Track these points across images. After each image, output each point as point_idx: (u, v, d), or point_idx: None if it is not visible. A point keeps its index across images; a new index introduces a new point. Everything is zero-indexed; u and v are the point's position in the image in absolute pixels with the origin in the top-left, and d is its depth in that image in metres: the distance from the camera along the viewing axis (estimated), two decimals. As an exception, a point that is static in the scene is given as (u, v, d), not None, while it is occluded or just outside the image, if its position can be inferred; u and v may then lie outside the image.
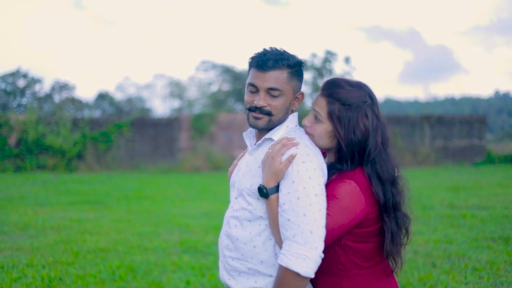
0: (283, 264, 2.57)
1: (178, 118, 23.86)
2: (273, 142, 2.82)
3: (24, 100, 45.12)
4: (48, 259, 7.56)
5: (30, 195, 14.58)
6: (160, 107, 53.74)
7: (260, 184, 2.69)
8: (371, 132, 2.78)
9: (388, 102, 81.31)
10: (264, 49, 2.84)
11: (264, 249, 2.77)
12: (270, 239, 2.75)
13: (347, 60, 32.73)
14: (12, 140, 22.86)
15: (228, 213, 2.93)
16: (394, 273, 2.89)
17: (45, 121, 23.54)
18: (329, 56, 32.77)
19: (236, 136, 24.29)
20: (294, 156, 2.65)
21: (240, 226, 2.81)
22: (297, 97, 2.86)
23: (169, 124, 23.64)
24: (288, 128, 2.86)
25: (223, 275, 2.93)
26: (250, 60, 2.85)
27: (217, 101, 36.88)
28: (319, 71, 32.79)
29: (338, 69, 32.72)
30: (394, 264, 2.86)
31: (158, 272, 7.10)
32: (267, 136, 2.85)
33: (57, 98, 46.70)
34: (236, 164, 3.07)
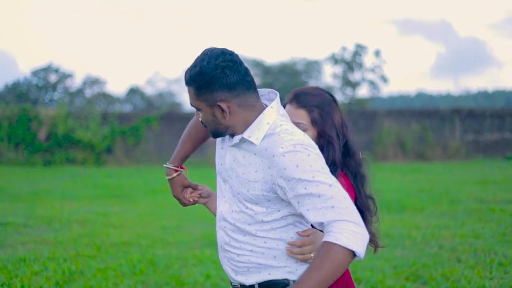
0: (342, 244, 2.31)
1: (207, 112, 23.65)
2: (254, 146, 2.63)
3: (56, 95, 45.57)
4: (70, 253, 7.58)
5: (57, 189, 14.68)
6: (190, 101, 53.66)
7: None
8: (345, 125, 3.07)
9: (420, 95, 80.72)
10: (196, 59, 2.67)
11: (276, 244, 2.66)
12: (280, 236, 2.64)
13: (377, 53, 32.54)
14: (42, 135, 23.05)
15: (223, 206, 2.78)
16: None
17: (75, 116, 23.71)
18: (359, 50, 32.61)
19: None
20: None
21: (242, 228, 2.69)
22: (219, 108, 2.63)
23: (197, 118, 23.43)
24: (269, 125, 2.61)
25: (228, 271, 2.80)
26: None
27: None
28: (349, 65, 32.65)
29: (368, 63, 32.54)
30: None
31: (179, 266, 7.08)
32: (244, 135, 2.63)
33: (88, 93, 47.11)
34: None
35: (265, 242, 2.66)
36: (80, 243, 8.19)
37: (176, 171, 3.11)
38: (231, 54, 2.62)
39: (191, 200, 3.15)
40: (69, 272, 6.64)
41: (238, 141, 2.66)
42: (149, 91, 49.16)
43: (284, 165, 2.49)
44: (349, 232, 2.33)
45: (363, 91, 36.37)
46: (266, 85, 34.59)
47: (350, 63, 32.62)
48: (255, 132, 2.61)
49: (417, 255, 7.44)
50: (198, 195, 3.17)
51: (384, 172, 19.03)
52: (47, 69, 44.79)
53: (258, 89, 2.75)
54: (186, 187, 3.16)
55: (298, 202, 2.47)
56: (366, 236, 2.36)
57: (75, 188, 15.09)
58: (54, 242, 8.26)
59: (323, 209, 2.40)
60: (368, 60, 32.51)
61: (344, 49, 32.56)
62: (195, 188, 3.18)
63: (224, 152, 2.81)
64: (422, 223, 9.50)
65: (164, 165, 3.12)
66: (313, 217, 2.42)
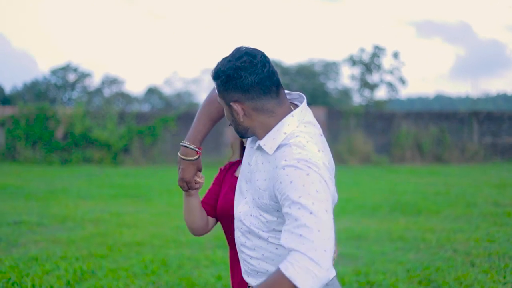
0: (287, 275, 2.26)
1: (224, 112, 23.64)
2: (267, 155, 2.60)
3: (74, 94, 45.80)
4: (82, 252, 7.59)
5: (73, 188, 14.72)
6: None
7: None
8: None
9: (439, 98, 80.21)
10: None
11: (286, 252, 2.60)
12: None
13: (395, 55, 32.40)
14: (59, 133, 23.16)
15: (242, 207, 2.74)
16: None
17: (92, 115, 23.80)
18: (378, 51, 32.47)
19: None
20: None
21: (256, 232, 2.66)
22: (233, 108, 2.60)
23: (214, 119, 23.45)
24: (286, 134, 2.55)
25: (242, 271, 2.80)
26: None
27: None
28: (367, 66, 32.53)
29: (386, 64, 32.41)
30: None
31: (191, 267, 7.07)
32: (261, 142, 2.60)
33: (107, 92, 47.27)
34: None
35: (277, 249, 2.63)
36: (92, 243, 8.20)
37: (198, 153, 2.98)
38: (254, 56, 2.55)
39: (200, 184, 3.06)
40: (81, 272, 6.64)
41: (257, 147, 2.65)
42: (167, 91, 49.26)
43: (281, 178, 2.42)
44: (302, 267, 2.26)
45: (381, 93, 36.29)
46: (283, 86, 34.67)
47: (368, 64, 32.50)
48: (270, 141, 2.57)
49: (431, 259, 7.38)
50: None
51: (401, 175, 18.95)
52: (66, 68, 45.01)
53: (290, 92, 2.70)
54: (200, 170, 3.06)
55: (285, 218, 2.40)
56: (320, 277, 2.26)
57: (91, 187, 15.12)
58: (67, 241, 8.27)
59: (292, 234, 2.32)
60: (386, 61, 32.39)
61: (362, 50, 32.45)
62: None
63: (253, 152, 2.77)
64: (437, 226, 9.42)
65: (184, 144, 2.96)
66: (283, 239, 2.35)
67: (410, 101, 71.97)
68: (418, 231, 9.11)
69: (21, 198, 12.67)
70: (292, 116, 2.57)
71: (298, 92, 2.71)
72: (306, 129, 2.58)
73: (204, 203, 3.16)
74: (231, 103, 2.56)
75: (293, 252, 2.30)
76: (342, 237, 8.60)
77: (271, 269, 2.64)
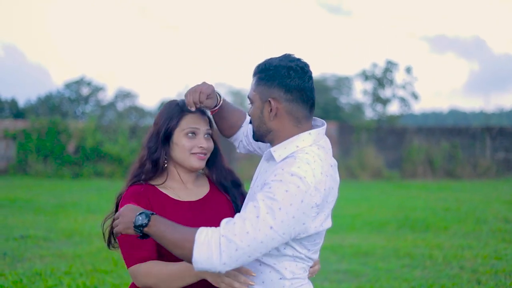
0: (195, 237, 2.43)
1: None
2: (274, 162, 2.63)
3: (88, 108, 46.02)
4: (87, 267, 7.57)
5: (83, 202, 14.72)
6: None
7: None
8: None
9: (453, 113, 79.92)
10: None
11: (268, 271, 2.65)
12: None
13: (408, 70, 32.31)
14: (71, 147, 23.21)
15: None
16: None
17: (104, 129, 23.87)
18: (390, 66, 32.40)
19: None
20: None
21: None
22: (270, 104, 2.63)
23: (225, 133, 23.45)
24: (298, 148, 2.59)
25: None
26: None
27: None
28: (379, 81, 32.46)
29: (399, 79, 32.35)
30: None
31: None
32: (271, 149, 2.66)
33: (120, 106, 47.47)
34: None
35: (260, 265, 2.65)
36: (98, 258, 8.18)
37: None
38: (306, 65, 2.67)
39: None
40: (84, 287, 6.63)
41: (266, 156, 2.72)
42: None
43: (269, 183, 2.50)
44: (209, 243, 2.40)
45: (393, 108, 36.19)
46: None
47: (381, 79, 32.42)
48: (281, 150, 2.62)
49: (437, 276, 7.32)
50: None
51: (412, 190, 18.85)
52: (80, 82, 45.30)
53: (315, 118, 2.77)
54: None
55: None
56: (211, 262, 2.39)
57: (101, 201, 15.11)
58: (72, 256, 8.27)
59: (232, 219, 2.46)
60: (399, 76, 32.31)
61: (374, 65, 32.39)
62: None
63: (260, 165, 2.86)
64: (445, 243, 9.35)
65: None
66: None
67: (424, 116, 71.82)
68: (426, 247, 9.05)
69: (30, 212, 12.69)
70: (309, 134, 2.63)
71: (322, 120, 2.76)
72: (319, 151, 2.61)
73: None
74: (270, 99, 2.61)
75: (219, 228, 2.44)
76: (347, 254, 8.56)
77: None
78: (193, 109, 2.87)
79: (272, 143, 2.68)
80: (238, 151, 3.32)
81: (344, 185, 19.30)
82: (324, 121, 2.75)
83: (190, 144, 2.92)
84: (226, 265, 2.41)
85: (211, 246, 2.40)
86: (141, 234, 2.54)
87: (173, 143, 2.95)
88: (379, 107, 32.49)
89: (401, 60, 57.06)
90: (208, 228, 2.47)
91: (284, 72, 2.61)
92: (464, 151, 25.00)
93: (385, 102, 32.34)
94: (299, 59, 2.67)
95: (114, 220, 2.71)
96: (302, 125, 2.65)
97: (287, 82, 2.60)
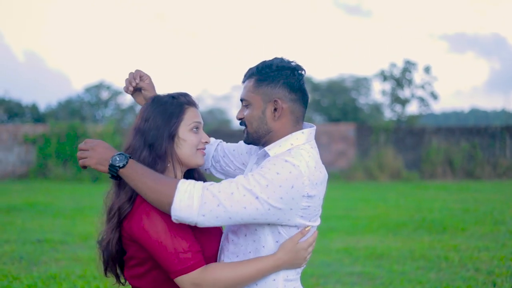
0: (178, 185, 2.49)
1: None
2: (268, 157, 2.66)
3: (108, 112, 46.21)
4: (101, 271, 7.59)
5: (100, 205, 14.71)
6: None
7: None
8: None
9: (474, 112, 79.30)
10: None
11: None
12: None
13: (427, 69, 32.13)
14: (90, 151, 23.34)
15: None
16: None
17: (122, 132, 23.98)
18: (409, 66, 32.25)
19: (311, 147, 24.00)
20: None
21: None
22: (275, 105, 2.65)
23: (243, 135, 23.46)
24: (293, 146, 2.63)
25: None
26: None
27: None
28: (398, 81, 32.31)
29: (418, 79, 32.19)
30: None
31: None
32: (266, 148, 2.68)
33: (139, 110, 47.60)
34: None
35: (250, 252, 2.68)
36: (113, 261, 8.21)
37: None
38: (303, 70, 2.72)
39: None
40: (97, 291, 6.67)
41: (260, 155, 2.73)
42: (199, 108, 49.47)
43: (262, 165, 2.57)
44: (192, 193, 2.45)
45: (412, 108, 36.00)
46: (314, 102, 34.54)
47: (399, 79, 32.28)
48: (276, 147, 2.66)
49: (452, 278, 7.27)
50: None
51: (430, 191, 18.75)
52: (99, 86, 45.46)
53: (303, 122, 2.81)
54: None
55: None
56: (191, 211, 2.43)
57: (119, 204, 15.16)
58: (87, 259, 8.31)
59: (223, 181, 2.53)
60: (417, 76, 32.14)
61: (393, 65, 32.26)
62: None
63: (250, 167, 2.89)
64: (462, 245, 9.29)
65: None
66: None
67: (445, 115, 71.34)
68: (442, 249, 8.99)
69: (49, 215, 12.78)
70: (302, 133, 2.68)
71: (310, 123, 2.82)
72: (312, 150, 2.65)
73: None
74: (276, 99, 2.64)
75: (203, 183, 2.53)
76: (362, 256, 8.53)
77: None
78: (130, 89, 2.92)
79: (266, 144, 2.71)
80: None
81: (362, 186, 19.28)
82: (313, 124, 2.79)
83: (196, 140, 2.78)
84: (204, 218, 2.44)
85: (192, 196, 2.43)
86: (114, 175, 2.57)
87: (180, 139, 2.75)
88: (398, 108, 32.35)
89: (420, 59, 56.59)
90: (191, 180, 2.52)
91: (289, 73, 2.65)
92: (483, 151, 24.82)
93: (404, 102, 32.18)
94: (294, 61, 2.71)
95: (80, 150, 2.68)
96: (299, 125, 2.72)
97: (292, 83, 2.65)
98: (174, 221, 2.49)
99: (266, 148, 2.66)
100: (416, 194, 17.83)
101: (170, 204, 2.45)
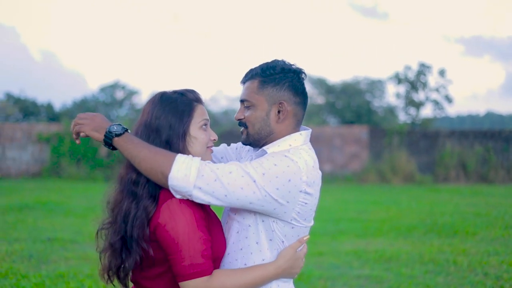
0: (176, 158, 2.48)
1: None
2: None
3: (123, 111, 46.35)
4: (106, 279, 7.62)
5: (112, 205, 14.80)
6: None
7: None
8: None
9: (490, 116, 78.93)
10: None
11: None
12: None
13: (441, 72, 32.00)
14: (103, 150, 23.44)
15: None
16: None
17: (136, 132, 24.06)
18: (423, 69, 32.12)
19: (324, 149, 23.97)
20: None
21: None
22: (280, 107, 2.65)
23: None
24: (291, 146, 2.63)
25: None
26: None
27: (308, 113, 36.65)
28: (412, 84, 32.20)
29: (432, 82, 32.07)
30: None
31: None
32: (265, 147, 2.67)
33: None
34: None
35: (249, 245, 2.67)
36: (122, 261, 8.23)
37: None
38: (305, 74, 2.73)
39: None
40: (105, 290, 6.69)
41: (259, 152, 2.71)
42: (213, 108, 49.50)
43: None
44: (190, 164, 2.45)
45: (427, 111, 35.83)
46: (328, 104, 34.49)
47: (414, 82, 32.16)
48: (274, 147, 2.66)
49: (460, 283, 7.24)
50: None
51: (443, 195, 18.67)
52: (114, 86, 45.55)
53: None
54: None
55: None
56: (187, 185, 2.41)
57: (130, 204, 15.20)
58: (96, 259, 8.25)
59: (221, 165, 2.51)
60: (432, 79, 32.01)
61: (408, 68, 32.14)
62: None
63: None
64: (471, 249, 9.25)
65: None
66: None
67: (460, 119, 71.05)
68: (451, 253, 8.96)
69: (60, 214, 12.84)
70: (300, 134, 2.69)
71: (305, 126, 2.82)
72: (310, 151, 2.65)
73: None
74: (282, 101, 2.65)
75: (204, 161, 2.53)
76: (371, 259, 8.51)
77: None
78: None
79: (265, 145, 2.72)
80: None
81: (374, 189, 19.21)
82: (308, 128, 2.80)
83: (206, 137, 2.70)
84: (200, 192, 2.43)
85: (190, 167, 2.44)
86: (108, 142, 2.59)
87: (191, 137, 2.66)
88: (412, 111, 32.23)
89: (435, 62, 56.39)
90: (189, 155, 2.55)
91: (294, 76, 2.67)
92: (497, 154, 24.69)
93: (418, 105, 32.06)
94: (294, 64, 2.72)
95: (78, 118, 2.68)
96: (298, 127, 2.74)
97: (297, 85, 2.66)
98: (171, 191, 2.47)
99: (265, 148, 2.66)
100: (428, 197, 17.76)
101: (166, 173, 2.43)
